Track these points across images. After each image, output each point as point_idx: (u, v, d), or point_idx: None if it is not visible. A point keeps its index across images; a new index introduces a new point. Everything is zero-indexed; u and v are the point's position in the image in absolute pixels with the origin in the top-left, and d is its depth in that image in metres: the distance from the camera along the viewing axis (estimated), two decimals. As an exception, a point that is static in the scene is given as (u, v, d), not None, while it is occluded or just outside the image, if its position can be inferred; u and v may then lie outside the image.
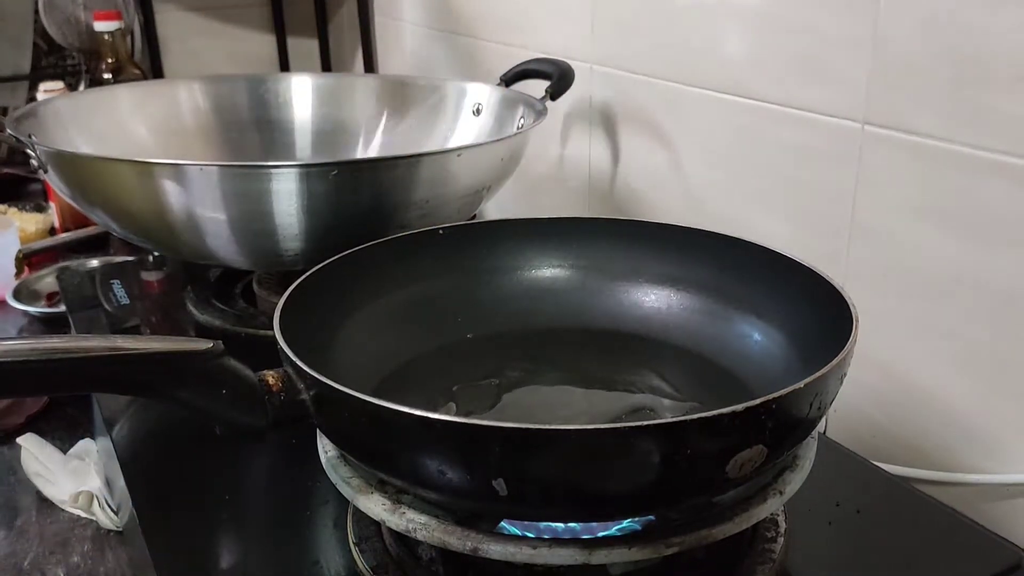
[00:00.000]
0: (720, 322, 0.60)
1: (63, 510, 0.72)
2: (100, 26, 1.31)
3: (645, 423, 0.40)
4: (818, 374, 0.42)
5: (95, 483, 0.72)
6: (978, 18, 0.56)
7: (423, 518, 0.45)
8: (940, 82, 0.59)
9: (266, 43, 1.61)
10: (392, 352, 0.60)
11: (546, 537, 0.44)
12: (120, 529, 0.69)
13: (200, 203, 0.68)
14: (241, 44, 1.59)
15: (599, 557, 0.43)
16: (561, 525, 0.46)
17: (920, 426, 0.65)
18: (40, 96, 1.22)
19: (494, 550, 0.43)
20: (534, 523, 0.46)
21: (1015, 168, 0.56)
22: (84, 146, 0.85)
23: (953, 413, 0.62)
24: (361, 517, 0.51)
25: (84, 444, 0.77)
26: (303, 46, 1.62)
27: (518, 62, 0.93)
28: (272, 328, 0.48)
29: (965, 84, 0.57)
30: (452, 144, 0.92)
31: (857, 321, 0.48)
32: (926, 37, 0.59)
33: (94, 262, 1.11)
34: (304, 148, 1.02)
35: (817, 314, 0.53)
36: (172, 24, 1.52)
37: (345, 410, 0.43)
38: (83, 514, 0.71)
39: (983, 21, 0.56)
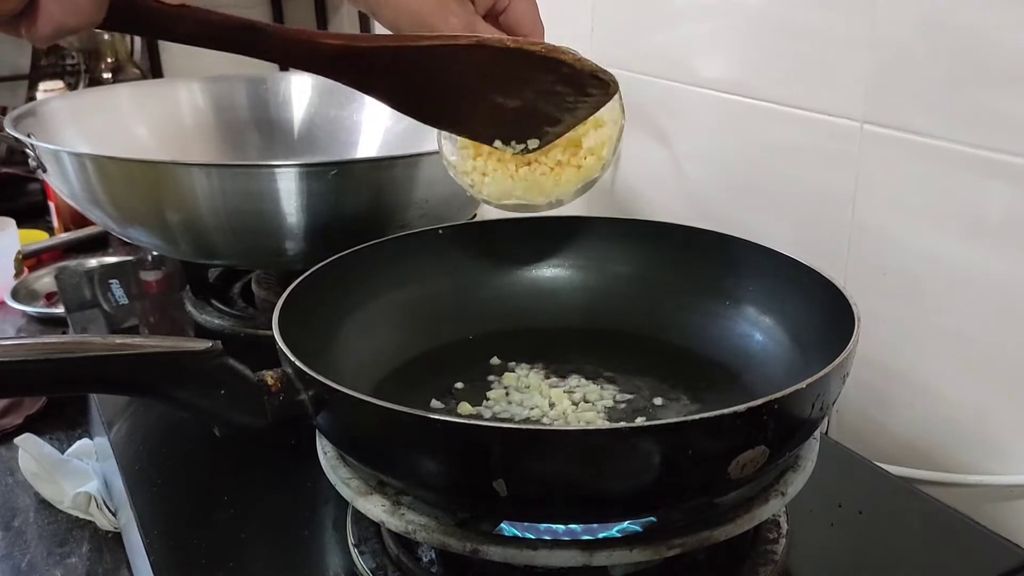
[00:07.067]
0: (721, 322, 0.60)
1: (61, 511, 0.72)
2: (99, 26, 1.30)
3: (646, 424, 0.40)
4: (820, 374, 0.42)
5: (93, 484, 0.72)
6: (977, 18, 0.56)
7: (423, 519, 0.44)
8: (939, 82, 0.59)
9: (266, 43, 1.61)
10: (392, 352, 0.60)
11: (546, 539, 0.44)
12: (118, 530, 0.69)
13: (200, 203, 0.67)
14: (241, 44, 1.58)
15: (600, 559, 0.43)
16: (561, 526, 0.45)
17: (922, 427, 0.65)
18: (40, 96, 1.22)
19: (494, 552, 0.43)
20: (534, 524, 0.45)
21: (1015, 168, 0.55)
22: (83, 146, 0.85)
23: (955, 413, 0.62)
24: (361, 518, 0.51)
25: (82, 445, 0.77)
26: (303, 46, 1.62)
27: (518, 62, 0.93)
28: (271, 328, 0.48)
29: (964, 83, 0.57)
30: (452, 144, 0.92)
31: (859, 321, 0.47)
32: (925, 37, 0.59)
33: (93, 262, 1.11)
34: (304, 148, 1.02)
35: (819, 314, 0.53)
36: (171, 24, 1.52)
37: (344, 410, 0.43)
38: (81, 515, 0.71)
39: (982, 21, 0.56)
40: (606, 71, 0.54)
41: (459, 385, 0.58)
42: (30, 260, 1.13)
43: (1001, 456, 0.60)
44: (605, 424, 0.53)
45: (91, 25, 0.40)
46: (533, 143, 0.56)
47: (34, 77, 1.43)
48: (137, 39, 1.48)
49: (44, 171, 0.75)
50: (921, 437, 0.65)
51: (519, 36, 0.55)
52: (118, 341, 0.42)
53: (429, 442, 0.41)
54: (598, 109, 0.55)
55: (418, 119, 0.57)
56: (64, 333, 0.91)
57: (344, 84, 0.53)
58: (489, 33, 0.54)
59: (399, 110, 0.56)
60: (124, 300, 0.85)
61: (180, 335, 0.79)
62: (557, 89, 0.53)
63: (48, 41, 0.41)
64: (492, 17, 0.55)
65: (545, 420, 0.54)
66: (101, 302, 0.85)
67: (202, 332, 0.79)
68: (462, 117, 0.56)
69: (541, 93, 0.54)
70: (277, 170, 0.66)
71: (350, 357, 0.56)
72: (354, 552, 0.50)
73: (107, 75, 1.34)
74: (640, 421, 0.53)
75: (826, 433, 0.69)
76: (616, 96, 0.55)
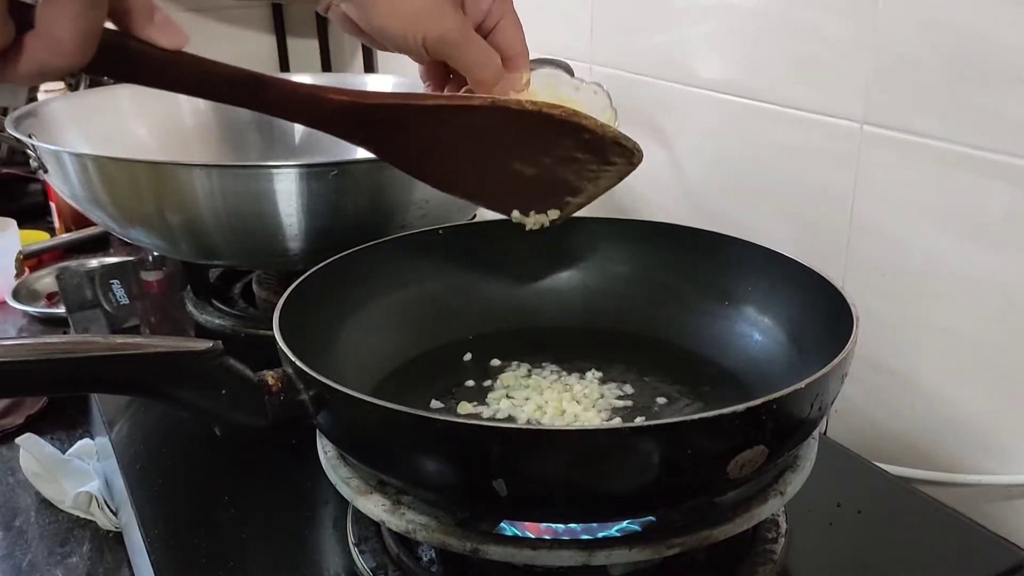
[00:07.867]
0: (720, 322, 0.60)
1: (62, 511, 0.72)
2: (100, 26, 1.30)
3: (646, 424, 0.40)
4: (819, 374, 0.42)
5: (94, 484, 0.72)
6: (976, 18, 0.56)
7: (423, 519, 0.44)
8: (939, 82, 0.59)
9: (266, 43, 1.61)
10: (392, 352, 0.60)
11: (546, 538, 0.44)
12: (119, 529, 0.69)
13: (200, 203, 0.68)
14: (241, 44, 1.58)
15: (599, 558, 0.43)
16: (561, 526, 0.45)
17: (921, 426, 0.65)
18: (41, 96, 1.22)
19: (494, 551, 0.43)
20: (534, 524, 0.46)
21: (1014, 168, 0.56)
22: (84, 146, 0.85)
23: (954, 413, 0.62)
24: (361, 518, 0.51)
25: (83, 444, 0.77)
26: (303, 46, 1.62)
27: (518, 62, 0.93)
28: (272, 328, 0.48)
29: (963, 84, 0.57)
30: (452, 144, 0.92)
31: (858, 321, 0.48)
32: (925, 37, 0.59)
33: (93, 262, 1.11)
34: (304, 148, 1.02)
35: (818, 314, 0.53)
36: (172, 24, 1.52)
37: (345, 410, 0.43)
38: (82, 515, 0.71)
39: (981, 21, 0.56)
40: (629, 138, 0.51)
41: (459, 385, 0.58)
42: (31, 260, 1.14)
43: (1000, 456, 0.60)
44: (605, 424, 0.53)
45: (78, 68, 0.39)
46: (554, 214, 0.54)
47: (35, 78, 1.43)
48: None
49: (45, 172, 0.75)
50: (920, 437, 0.65)
51: (504, 57, 0.53)
52: (119, 341, 0.43)
53: (429, 442, 0.41)
54: (622, 178, 0.53)
55: (432, 184, 0.54)
56: (65, 333, 0.91)
57: (352, 143, 0.50)
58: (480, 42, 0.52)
59: (412, 174, 0.53)
60: (125, 300, 0.85)
61: (181, 335, 0.79)
62: (578, 156, 0.51)
63: (31, 81, 0.38)
64: (480, 34, 0.53)
65: (545, 420, 0.54)
66: (102, 302, 0.85)
67: (203, 332, 0.79)
68: (477, 184, 0.54)
69: (560, 160, 0.51)
70: (277, 171, 0.67)
71: (350, 357, 0.56)
72: (354, 551, 0.50)
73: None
74: (640, 421, 0.53)
75: (825, 433, 0.69)
76: (606, 99, 0.54)
